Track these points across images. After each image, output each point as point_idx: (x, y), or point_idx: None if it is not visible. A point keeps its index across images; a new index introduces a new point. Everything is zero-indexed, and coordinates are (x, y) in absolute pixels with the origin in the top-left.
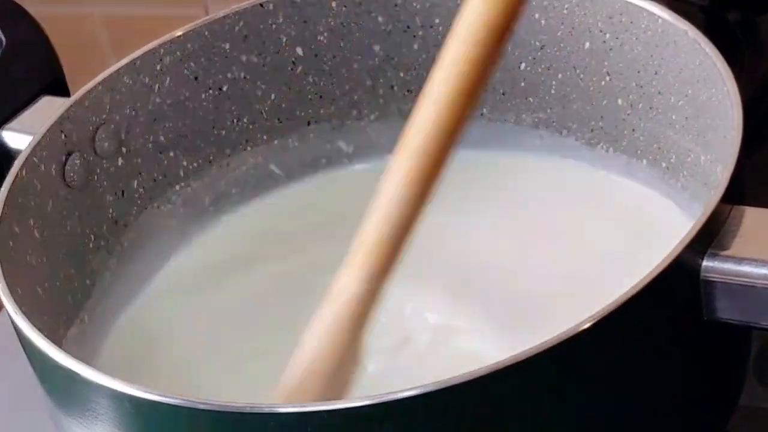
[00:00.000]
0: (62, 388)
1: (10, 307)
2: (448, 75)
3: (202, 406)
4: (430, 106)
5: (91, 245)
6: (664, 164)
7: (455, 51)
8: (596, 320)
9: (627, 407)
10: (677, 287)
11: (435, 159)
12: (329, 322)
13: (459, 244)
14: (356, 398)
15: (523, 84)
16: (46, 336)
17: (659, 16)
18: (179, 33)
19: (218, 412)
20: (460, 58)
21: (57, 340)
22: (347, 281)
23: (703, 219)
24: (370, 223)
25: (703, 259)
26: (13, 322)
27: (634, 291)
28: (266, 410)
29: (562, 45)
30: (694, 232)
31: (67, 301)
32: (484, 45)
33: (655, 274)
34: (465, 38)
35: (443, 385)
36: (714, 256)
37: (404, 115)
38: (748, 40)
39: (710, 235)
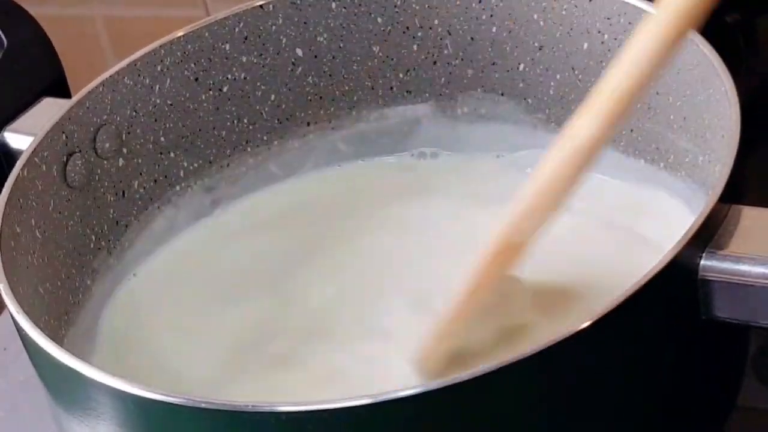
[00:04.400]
0: (64, 386)
1: (12, 306)
2: None
3: (203, 405)
4: None
5: (92, 245)
6: (662, 164)
7: None
8: (594, 320)
9: (625, 407)
10: (675, 286)
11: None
12: (559, 159)
13: (455, 239)
14: (356, 397)
15: (521, 85)
16: (47, 335)
17: None
18: (180, 34)
19: (219, 411)
20: None
21: (58, 340)
22: (581, 125)
23: (701, 218)
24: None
25: (701, 258)
26: (14, 322)
27: (633, 290)
28: (266, 409)
29: (560, 46)
30: (692, 232)
31: (69, 301)
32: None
33: (653, 273)
34: None
35: (443, 385)
36: (712, 255)
37: (405, 115)
38: (746, 40)
39: (708, 235)
